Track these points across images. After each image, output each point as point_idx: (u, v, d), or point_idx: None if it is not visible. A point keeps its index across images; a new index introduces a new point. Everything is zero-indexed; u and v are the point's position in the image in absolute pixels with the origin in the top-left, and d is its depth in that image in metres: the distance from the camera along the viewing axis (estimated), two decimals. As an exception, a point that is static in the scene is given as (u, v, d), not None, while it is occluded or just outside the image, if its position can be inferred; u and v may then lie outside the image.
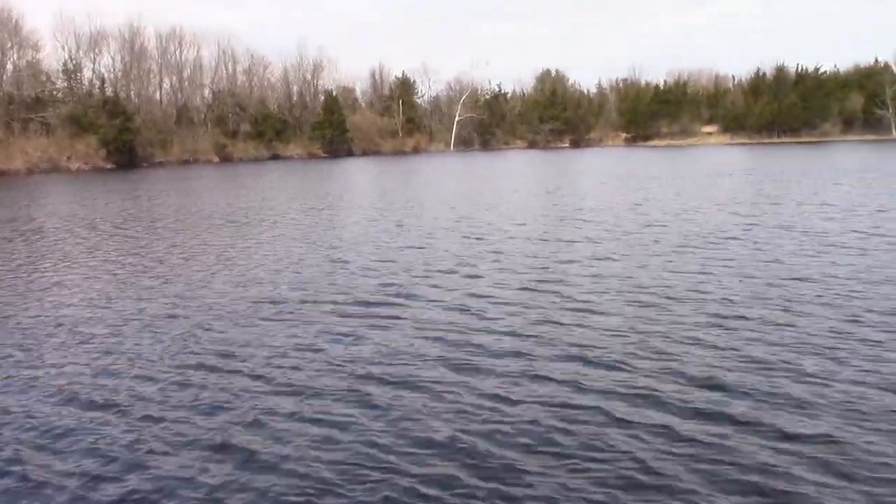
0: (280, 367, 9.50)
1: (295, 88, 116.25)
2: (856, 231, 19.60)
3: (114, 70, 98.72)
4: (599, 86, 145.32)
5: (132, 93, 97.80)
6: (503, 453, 6.80)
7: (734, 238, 19.02)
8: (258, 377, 9.15)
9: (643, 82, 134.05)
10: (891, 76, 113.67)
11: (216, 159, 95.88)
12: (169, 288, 14.72)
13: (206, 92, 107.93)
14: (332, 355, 9.90)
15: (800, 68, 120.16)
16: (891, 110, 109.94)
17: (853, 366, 8.82)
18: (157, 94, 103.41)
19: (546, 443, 6.98)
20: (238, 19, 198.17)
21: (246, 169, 74.68)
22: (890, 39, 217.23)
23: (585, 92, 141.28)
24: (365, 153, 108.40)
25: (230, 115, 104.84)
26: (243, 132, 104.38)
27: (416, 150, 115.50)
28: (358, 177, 59.03)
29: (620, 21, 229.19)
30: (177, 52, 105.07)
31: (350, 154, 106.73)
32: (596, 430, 7.22)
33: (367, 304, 12.80)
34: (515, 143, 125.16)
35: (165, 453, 7.00)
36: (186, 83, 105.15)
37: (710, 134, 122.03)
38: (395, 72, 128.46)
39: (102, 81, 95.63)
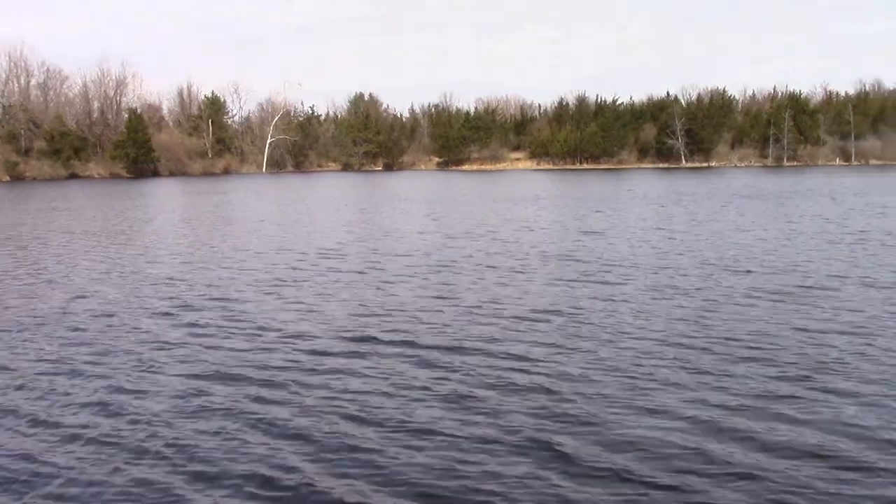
0: None
1: (96, 105, 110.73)
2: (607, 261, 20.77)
3: None
4: (412, 110, 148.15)
5: None
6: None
7: (491, 266, 19.68)
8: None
9: (454, 108, 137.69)
10: (680, 108, 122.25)
11: (6, 178, 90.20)
12: None
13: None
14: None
15: (599, 99, 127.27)
16: (680, 140, 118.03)
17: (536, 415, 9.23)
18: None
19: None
20: (32, 29, 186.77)
21: (35, 189, 70.41)
22: (678, 75, 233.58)
23: (399, 116, 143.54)
24: (172, 174, 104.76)
25: (22, 131, 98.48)
26: (37, 150, 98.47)
27: (226, 172, 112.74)
28: (139, 199, 56.81)
29: (431, 47, 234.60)
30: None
31: (156, 174, 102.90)
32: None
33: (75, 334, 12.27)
34: (329, 165, 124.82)
35: None
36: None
37: (518, 160, 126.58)
38: (204, 90, 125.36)
39: None
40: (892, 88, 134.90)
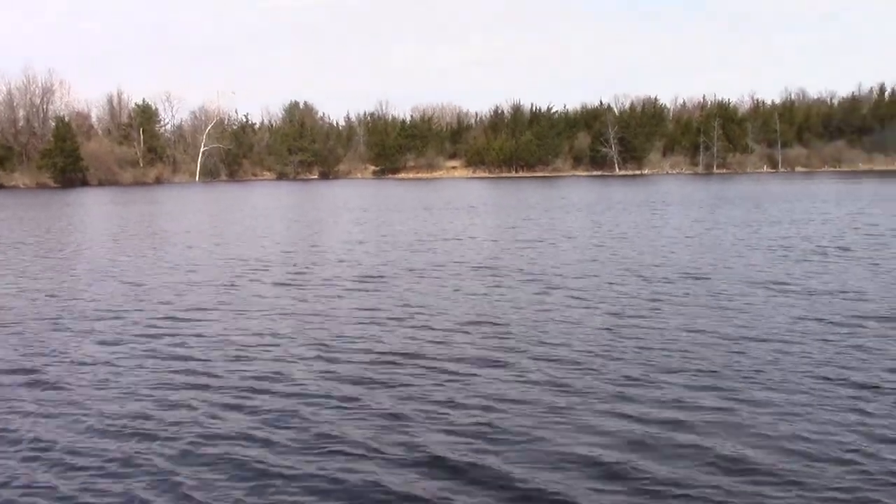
0: None
1: (21, 113, 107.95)
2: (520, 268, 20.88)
3: None
4: (348, 119, 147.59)
5: None
6: None
7: (419, 277, 19.62)
8: None
9: (390, 117, 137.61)
10: (613, 117, 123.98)
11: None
12: None
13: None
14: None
15: (534, 108, 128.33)
16: (613, 148, 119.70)
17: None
18: None
19: None
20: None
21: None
22: (611, 84, 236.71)
23: (334, 124, 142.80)
24: (102, 183, 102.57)
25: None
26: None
27: (158, 181, 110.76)
28: (63, 210, 55.48)
29: (367, 55, 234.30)
30: None
31: (85, 184, 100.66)
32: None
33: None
34: (264, 174, 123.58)
35: None
36: None
37: (454, 168, 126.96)
38: (135, 98, 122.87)
39: None
40: (816, 97, 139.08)
